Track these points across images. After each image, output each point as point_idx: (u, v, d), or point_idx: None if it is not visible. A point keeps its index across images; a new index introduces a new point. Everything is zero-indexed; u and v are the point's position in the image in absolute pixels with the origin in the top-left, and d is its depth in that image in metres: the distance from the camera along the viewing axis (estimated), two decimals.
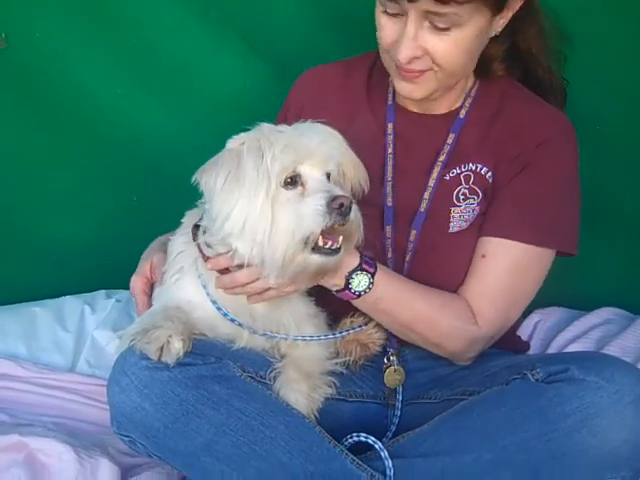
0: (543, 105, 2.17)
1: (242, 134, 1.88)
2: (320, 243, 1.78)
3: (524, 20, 2.09)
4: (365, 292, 1.98)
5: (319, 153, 1.82)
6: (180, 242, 2.04)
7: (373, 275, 1.98)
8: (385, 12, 1.96)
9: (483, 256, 2.09)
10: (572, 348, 2.58)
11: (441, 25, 1.89)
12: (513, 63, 2.19)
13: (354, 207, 1.80)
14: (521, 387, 1.85)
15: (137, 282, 2.17)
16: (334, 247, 1.79)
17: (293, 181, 1.81)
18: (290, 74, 2.72)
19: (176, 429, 1.82)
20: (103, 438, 2.25)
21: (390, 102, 2.21)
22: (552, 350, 2.61)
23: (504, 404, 1.84)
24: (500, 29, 2.03)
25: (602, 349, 2.53)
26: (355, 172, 1.94)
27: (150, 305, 2.12)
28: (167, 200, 2.84)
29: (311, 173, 1.82)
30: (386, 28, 1.98)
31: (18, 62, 2.71)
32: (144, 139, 2.86)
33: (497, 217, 2.10)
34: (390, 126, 2.19)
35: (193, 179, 1.85)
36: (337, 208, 1.75)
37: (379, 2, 1.97)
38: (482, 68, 2.14)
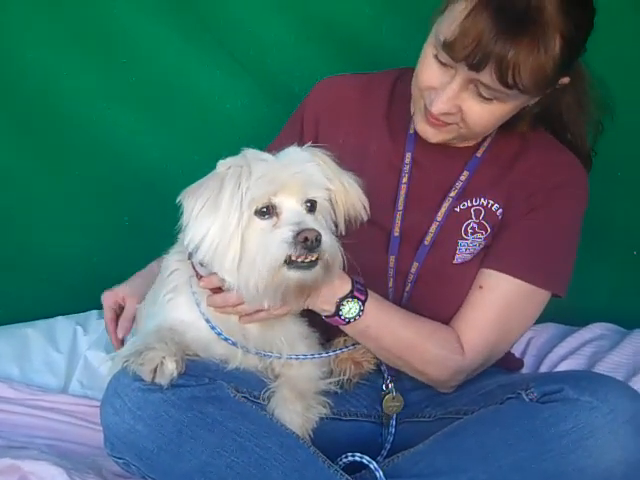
0: (560, 151, 2.17)
1: (229, 159, 1.87)
2: (293, 258, 1.75)
3: (563, 90, 2.06)
4: (355, 319, 1.99)
5: (295, 183, 1.80)
6: (174, 260, 2.04)
7: (364, 302, 1.99)
8: (436, 57, 1.94)
9: (480, 287, 2.10)
10: (565, 364, 2.58)
11: (486, 95, 1.90)
12: (541, 123, 2.18)
13: (327, 237, 1.77)
14: (516, 407, 1.85)
15: (108, 298, 2.27)
16: (308, 260, 1.75)
17: (268, 211, 1.80)
18: (281, 93, 2.76)
19: (170, 451, 1.81)
20: (96, 460, 2.23)
21: (411, 131, 2.18)
22: (545, 367, 2.62)
23: (499, 424, 1.84)
24: (533, 102, 2.03)
25: (595, 365, 2.54)
26: (347, 198, 1.90)
27: (116, 320, 2.25)
28: (159, 220, 2.80)
29: (287, 203, 1.80)
30: (430, 71, 1.96)
31: (9, 82, 2.72)
32: (136, 159, 2.87)
33: (500, 252, 2.11)
34: (409, 155, 2.18)
35: (178, 200, 1.85)
36: (302, 242, 1.74)
37: (434, 44, 1.94)
38: (506, 124, 2.10)
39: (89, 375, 2.69)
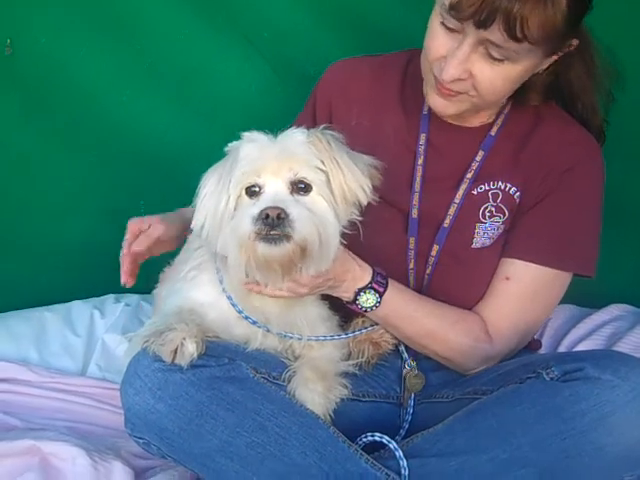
0: (574, 128, 2.16)
1: (233, 143, 1.91)
2: (256, 233, 1.76)
3: (571, 57, 2.06)
4: (372, 309, 2.03)
5: (279, 163, 1.81)
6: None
7: (382, 294, 2.02)
8: (442, 24, 1.92)
9: (507, 278, 2.11)
10: (583, 345, 2.58)
11: (496, 55, 1.88)
12: (552, 95, 2.17)
13: (300, 217, 1.76)
14: (536, 386, 1.85)
15: (133, 223, 2.21)
16: (272, 233, 1.74)
17: (256, 191, 1.82)
18: (295, 77, 2.76)
19: (190, 430, 1.83)
20: (116, 441, 2.26)
21: (425, 112, 2.19)
22: (563, 348, 2.62)
23: (519, 403, 1.84)
24: (544, 67, 2.01)
25: (613, 346, 2.54)
26: (344, 180, 1.87)
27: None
28: (174, 203, 2.83)
29: (271, 183, 1.81)
30: (438, 40, 1.95)
31: (23, 68, 2.72)
32: (151, 143, 2.87)
33: (523, 240, 2.11)
34: (423, 136, 2.18)
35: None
36: (264, 218, 1.74)
37: (439, 12, 1.92)
38: (518, 95, 2.10)
39: (107, 358, 2.71)
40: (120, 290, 3.00)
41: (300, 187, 1.83)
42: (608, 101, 2.19)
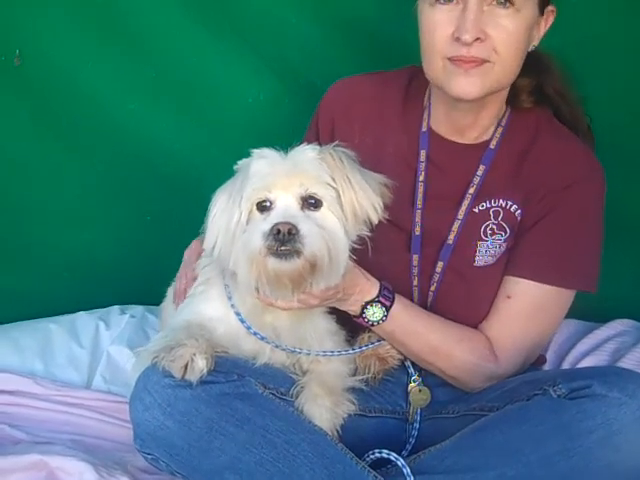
0: (574, 143, 2.18)
1: (243, 160, 1.93)
2: (267, 248, 1.77)
3: (547, 71, 2.16)
4: (378, 323, 2.04)
5: (289, 179, 1.82)
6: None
7: (388, 308, 2.04)
8: (436, 4, 1.96)
9: (508, 297, 2.12)
10: (587, 361, 2.59)
11: None
12: (543, 100, 2.20)
13: (311, 233, 1.77)
14: (543, 403, 1.86)
15: (197, 244, 2.22)
16: (282, 249, 1.75)
17: (267, 207, 1.83)
18: (302, 87, 2.75)
19: (200, 447, 1.83)
20: (122, 456, 2.26)
21: (424, 129, 2.20)
22: (567, 363, 2.62)
23: (526, 420, 1.85)
24: (536, 44, 2.05)
25: (617, 361, 2.54)
26: (355, 197, 1.88)
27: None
28: (181, 216, 2.85)
29: (282, 198, 1.82)
30: (440, 21, 1.97)
31: (32, 79, 2.71)
32: (158, 154, 2.87)
33: (524, 259, 2.12)
34: (423, 153, 2.19)
35: None
36: (275, 234, 1.75)
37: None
38: (511, 97, 2.15)
39: (112, 370, 2.71)
40: (125, 301, 3.03)
41: (310, 203, 1.84)
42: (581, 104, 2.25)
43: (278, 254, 1.76)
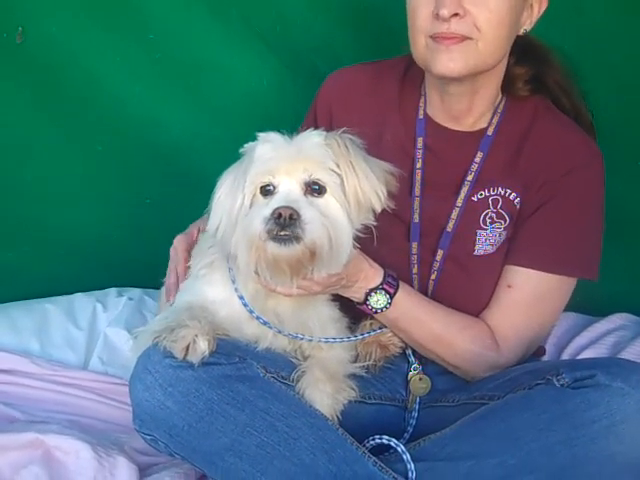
0: (572, 130, 2.17)
1: (249, 143, 1.92)
2: (267, 232, 1.76)
3: (545, 62, 2.15)
4: (382, 310, 2.04)
5: (293, 164, 1.81)
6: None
7: (392, 295, 2.03)
8: None
9: (509, 286, 2.11)
10: (587, 354, 2.58)
11: None
12: (541, 89, 2.19)
13: (313, 219, 1.76)
14: (546, 392, 1.86)
15: (181, 240, 2.22)
16: (282, 234, 1.74)
17: (270, 190, 1.82)
18: (306, 73, 2.75)
19: (200, 428, 1.82)
20: (118, 436, 2.25)
21: (421, 116, 2.20)
22: (566, 355, 2.62)
23: (529, 409, 1.85)
24: (528, 28, 2.05)
25: (617, 355, 2.53)
26: (359, 182, 1.86)
27: (186, 264, 2.16)
28: (181, 199, 2.85)
29: (285, 183, 1.81)
30: (423, 2, 1.96)
31: (34, 56, 2.69)
32: (159, 136, 2.85)
33: (524, 247, 2.11)
34: (420, 140, 2.18)
35: None
36: (276, 218, 1.74)
37: None
38: (507, 85, 2.15)
39: (109, 352, 2.70)
40: (122, 284, 3.02)
41: (314, 189, 1.83)
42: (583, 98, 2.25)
43: (278, 239, 1.75)
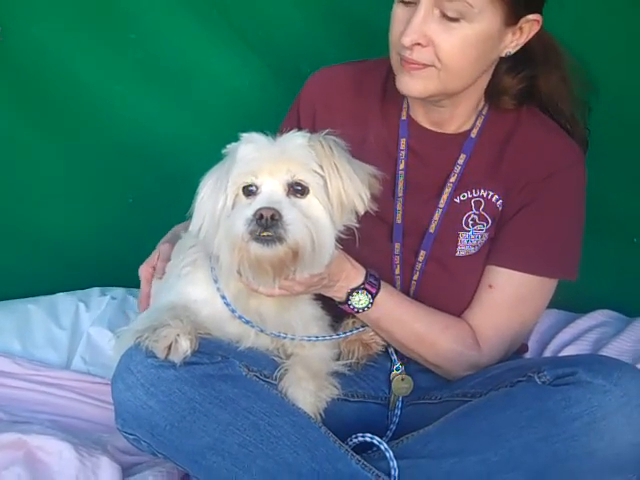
0: (556, 134, 2.16)
1: (232, 144, 1.91)
2: (249, 233, 1.76)
3: (545, 64, 2.10)
4: (364, 310, 2.04)
5: (275, 165, 1.81)
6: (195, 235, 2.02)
7: (374, 295, 2.03)
8: (401, 2, 1.95)
9: (490, 286, 2.12)
10: (569, 350, 2.60)
11: (450, 14, 1.88)
12: (529, 101, 2.17)
13: (295, 220, 1.76)
14: (528, 389, 1.86)
15: (143, 270, 2.20)
16: (264, 234, 1.74)
17: (253, 191, 1.82)
18: (288, 73, 2.75)
19: (182, 428, 1.82)
20: (101, 436, 2.25)
21: (404, 117, 2.19)
22: (549, 352, 2.63)
23: (511, 406, 1.85)
24: (512, 51, 2.02)
25: (599, 351, 2.55)
26: (343, 184, 1.86)
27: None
28: (163, 199, 2.85)
29: (267, 184, 1.81)
30: (398, 17, 1.97)
31: (14, 56, 2.69)
32: (142, 137, 2.85)
33: (506, 248, 2.12)
34: (403, 141, 2.18)
35: None
36: (258, 218, 1.74)
37: None
38: (491, 96, 2.14)
39: (92, 352, 2.69)
40: (105, 283, 3.01)
41: (297, 189, 1.83)
42: (585, 112, 2.21)
43: (260, 239, 1.75)
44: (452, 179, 2.14)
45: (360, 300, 2.03)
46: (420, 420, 2.01)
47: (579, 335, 2.68)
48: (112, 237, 2.94)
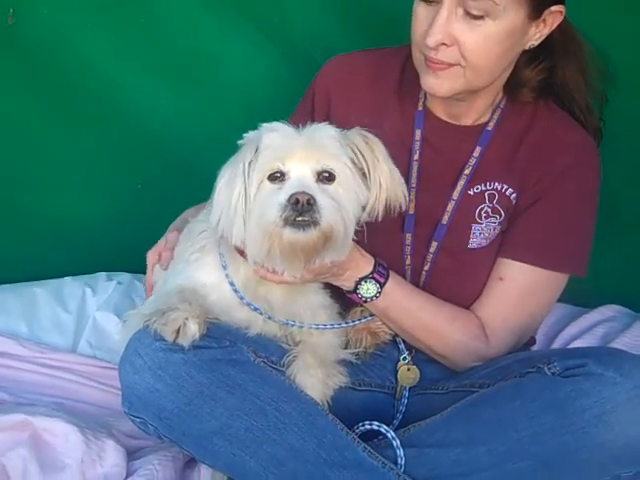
0: (572, 129, 2.15)
1: (250, 132, 1.90)
2: (284, 218, 1.75)
3: (564, 54, 2.09)
4: (372, 299, 2.03)
5: (305, 152, 1.81)
6: (205, 221, 2.02)
7: (382, 285, 2.03)
8: (423, 0, 1.93)
9: (501, 279, 2.11)
10: (577, 344, 2.60)
11: (475, 12, 1.87)
12: (546, 93, 2.16)
13: (327, 205, 1.76)
14: (537, 380, 1.86)
15: (150, 256, 2.20)
16: (300, 219, 1.74)
17: (279, 177, 1.81)
18: (301, 60, 2.73)
19: (189, 411, 1.82)
20: (106, 420, 2.24)
21: (420, 108, 2.18)
22: (557, 345, 2.63)
23: (520, 397, 1.85)
24: (535, 43, 2.00)
25: (607, 345, 2.54)
26: (391, 183, 1.88)
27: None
28: (172, 185, 2.84)
29: (296, 170, 1.80)
30: (420, 16, 1.95)
31: (25, 38, 2.66)
32: (153, 122, 2.83)
33: (517, 241, 2.11)
34: (418, 132, 2.16)
35: None
36: (293, 203, 1.74)
37: None
38: (511, 89, 2.12)
39: (98, 336, 2.69)
40: (112, 268, 3.00)
41: (325, 176, 1.82)
42: (602, 102, 2.20)
43: (295, 224, 1.74)
44: (467, 171, 2.13)
45: (368, 289, 2.02)
46: (427, 410, 2.00)
47: (587, 329, 2.68)
48: (120, 222, 2.93)
